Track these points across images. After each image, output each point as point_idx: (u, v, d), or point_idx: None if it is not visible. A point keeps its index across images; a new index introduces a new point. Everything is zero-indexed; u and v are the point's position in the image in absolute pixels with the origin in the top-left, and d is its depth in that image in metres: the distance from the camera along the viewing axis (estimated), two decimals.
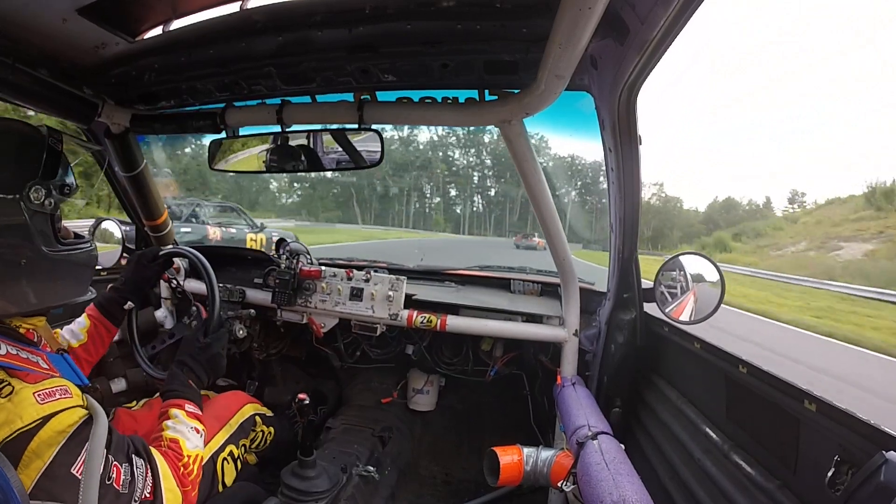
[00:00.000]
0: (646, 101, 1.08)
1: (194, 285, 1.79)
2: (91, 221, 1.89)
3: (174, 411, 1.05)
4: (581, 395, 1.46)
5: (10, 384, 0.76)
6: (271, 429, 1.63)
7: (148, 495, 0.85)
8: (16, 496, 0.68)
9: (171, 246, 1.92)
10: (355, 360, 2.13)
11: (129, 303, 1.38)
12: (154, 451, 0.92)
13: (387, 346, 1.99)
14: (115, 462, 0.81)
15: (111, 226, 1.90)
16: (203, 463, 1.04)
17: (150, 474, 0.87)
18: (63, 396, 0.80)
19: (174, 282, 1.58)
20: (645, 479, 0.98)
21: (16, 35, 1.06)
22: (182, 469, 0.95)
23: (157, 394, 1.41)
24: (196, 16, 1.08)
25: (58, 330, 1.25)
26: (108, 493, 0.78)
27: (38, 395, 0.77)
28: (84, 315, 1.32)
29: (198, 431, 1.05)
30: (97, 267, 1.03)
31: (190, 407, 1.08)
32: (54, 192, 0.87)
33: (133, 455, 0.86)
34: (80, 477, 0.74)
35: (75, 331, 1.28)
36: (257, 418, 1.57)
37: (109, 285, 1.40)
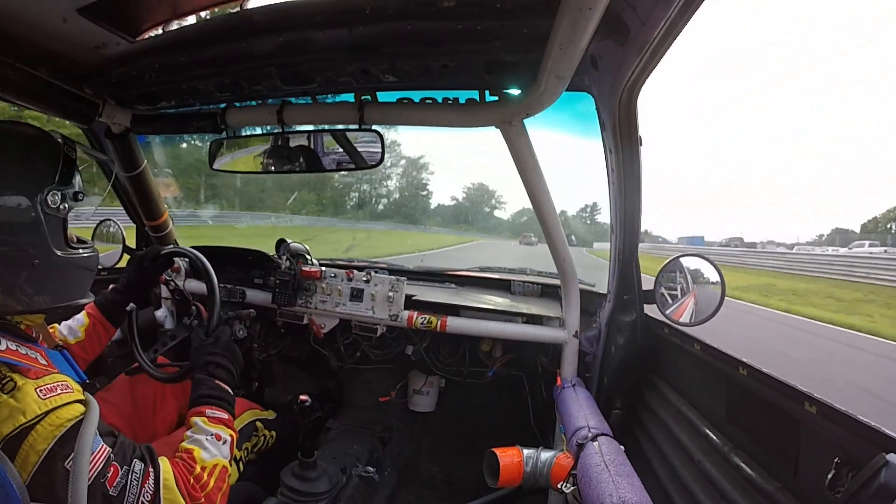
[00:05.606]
0: (646, 102, 1.08)
1: (194, 285, 1.79)
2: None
3: (194, 419, 1.02)
4: (581, 396, 1.45)
5: (12, 380, 0.77)
6: (273, 433, 1.62)
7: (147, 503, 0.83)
8: (15, 492, 0.68)
9: (171, 246, 1.92)
10: (355, 361, 2.12)
11: (131, 304, 1.37)
12: (163, 461, 0.90)
13: (387, 346, 1.98)
14: (114, 461, 0.81)
15: (112, 226, 1.90)
16: (228, 472, 0.99)
17: (150, 480, 0.84)
18: (64, 392, 0.81)
19: (172, 284, 1.57)
20: (645, 480, 0.98)
21: (16, 34, 1.07)
22: (192, 481, 0.91)
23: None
24: (196, 16, 1.08)
25: (55, 326, 1.25)
26: (99, 491, 0.77)
27: (40, 390, 0.78)
28: (83, 313, 1.31)
29: (219, 438, 1.00)
30: (98, 267, 1.04)
31: (212, 412, 1.04)
32: (68, 199, 0.92)
33: (135, 459, 0.85)
34: (70, 470, 0.74)
35: (74, 328, 1.28)
36: (258, 423, 1.56)
37: (111, 286, 1.40)
